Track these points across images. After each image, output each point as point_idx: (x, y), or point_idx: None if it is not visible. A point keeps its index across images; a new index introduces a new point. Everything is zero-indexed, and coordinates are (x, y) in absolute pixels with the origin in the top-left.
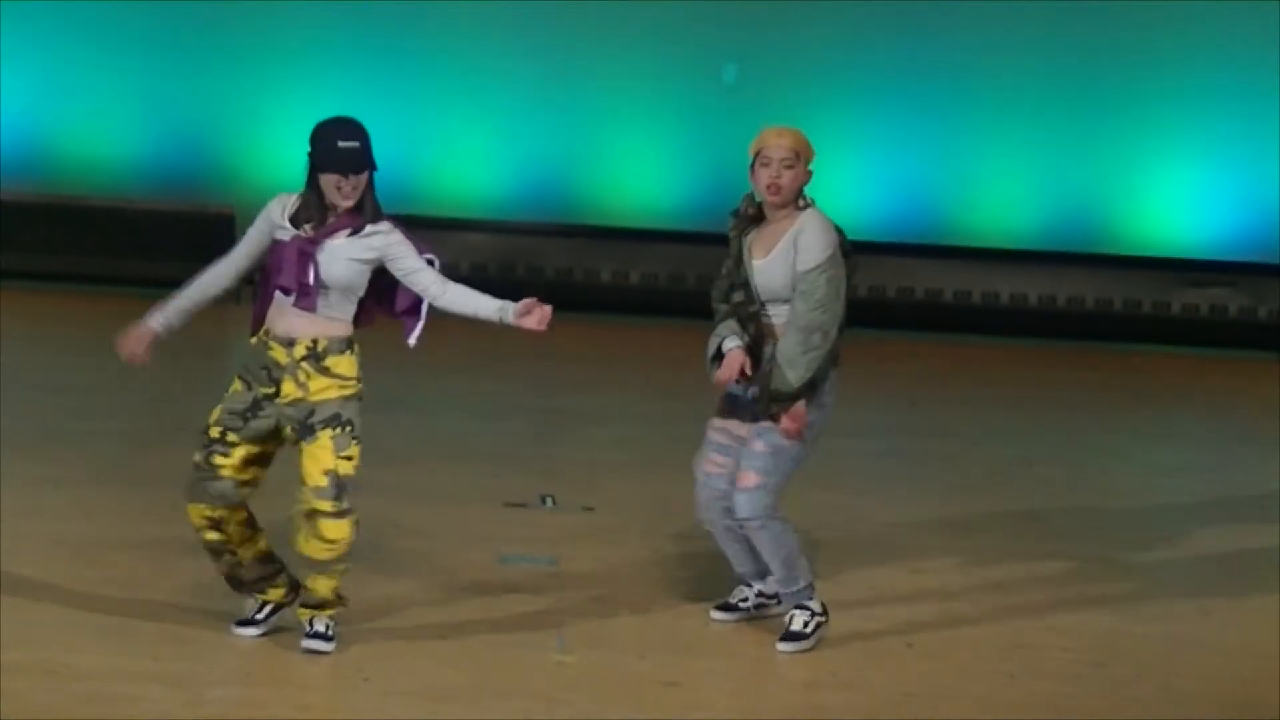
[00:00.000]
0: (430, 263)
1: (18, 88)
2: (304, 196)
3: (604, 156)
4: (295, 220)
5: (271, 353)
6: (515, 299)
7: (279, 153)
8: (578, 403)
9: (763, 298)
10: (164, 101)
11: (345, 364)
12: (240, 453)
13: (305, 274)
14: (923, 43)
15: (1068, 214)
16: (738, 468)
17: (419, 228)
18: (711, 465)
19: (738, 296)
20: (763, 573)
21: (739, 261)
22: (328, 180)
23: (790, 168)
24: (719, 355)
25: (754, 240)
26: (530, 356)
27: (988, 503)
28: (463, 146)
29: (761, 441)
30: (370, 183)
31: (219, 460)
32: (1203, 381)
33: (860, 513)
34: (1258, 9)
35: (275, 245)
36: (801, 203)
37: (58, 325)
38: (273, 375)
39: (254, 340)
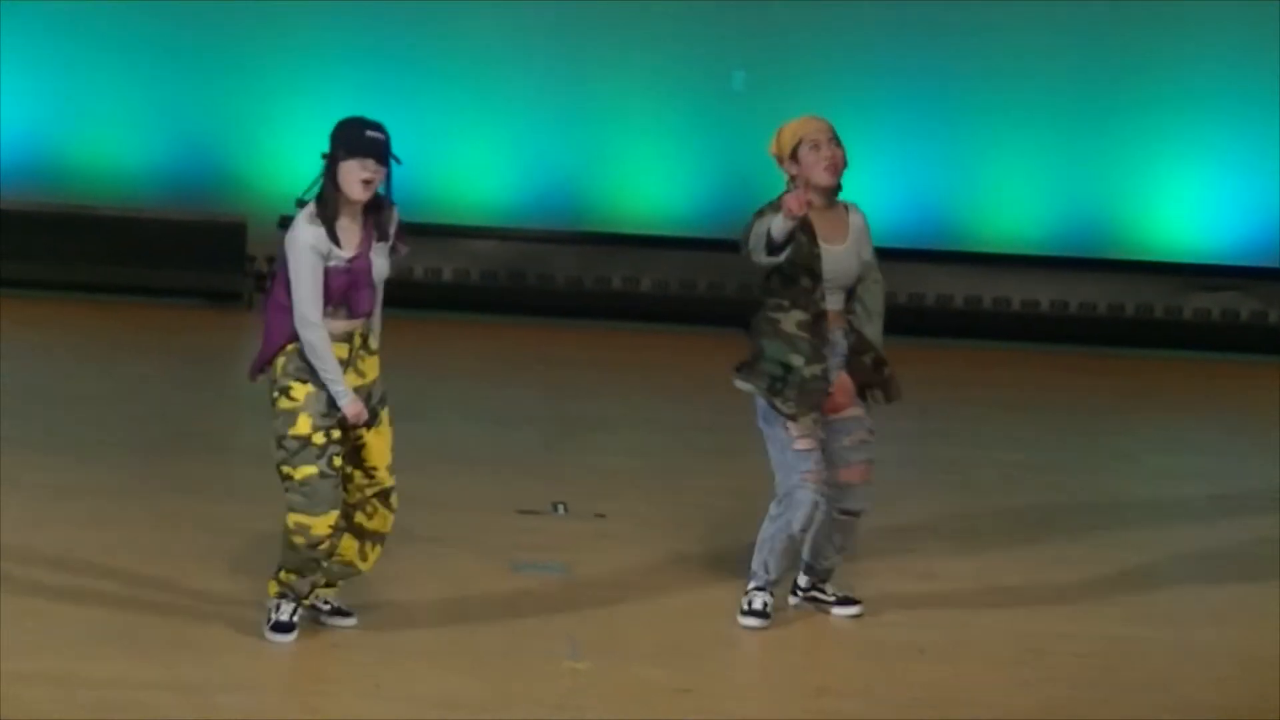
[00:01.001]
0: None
1: (27, 96)
2: (321, 201)
3: (613, 163)
4: (330, 230)
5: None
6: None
7: (289, 162)
8: (589, 410)
9: (834, 284)
10: (174, 111)
11: (375, 336)
12: (345, 449)
13: (373, 298)
14: (933, 49)
15: (1079, 219)
16: (842, 462)
17: (430, 235)
18: (816, 477)
19: (805, 282)
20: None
21: (805, 245)
22: (350, 168)
23: (839, 145)
24: (774, 245)
25: (816, 226)
26: (541, 364)
27: (999, 508)
28: (472, 154)
29: (863, 429)
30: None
31: (337, 460)
32: (1214, 386)
33: (871, 518)
34: (1267, 14)
35: (328, 271)
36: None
37: (68, 334)
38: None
39: (293, 348)
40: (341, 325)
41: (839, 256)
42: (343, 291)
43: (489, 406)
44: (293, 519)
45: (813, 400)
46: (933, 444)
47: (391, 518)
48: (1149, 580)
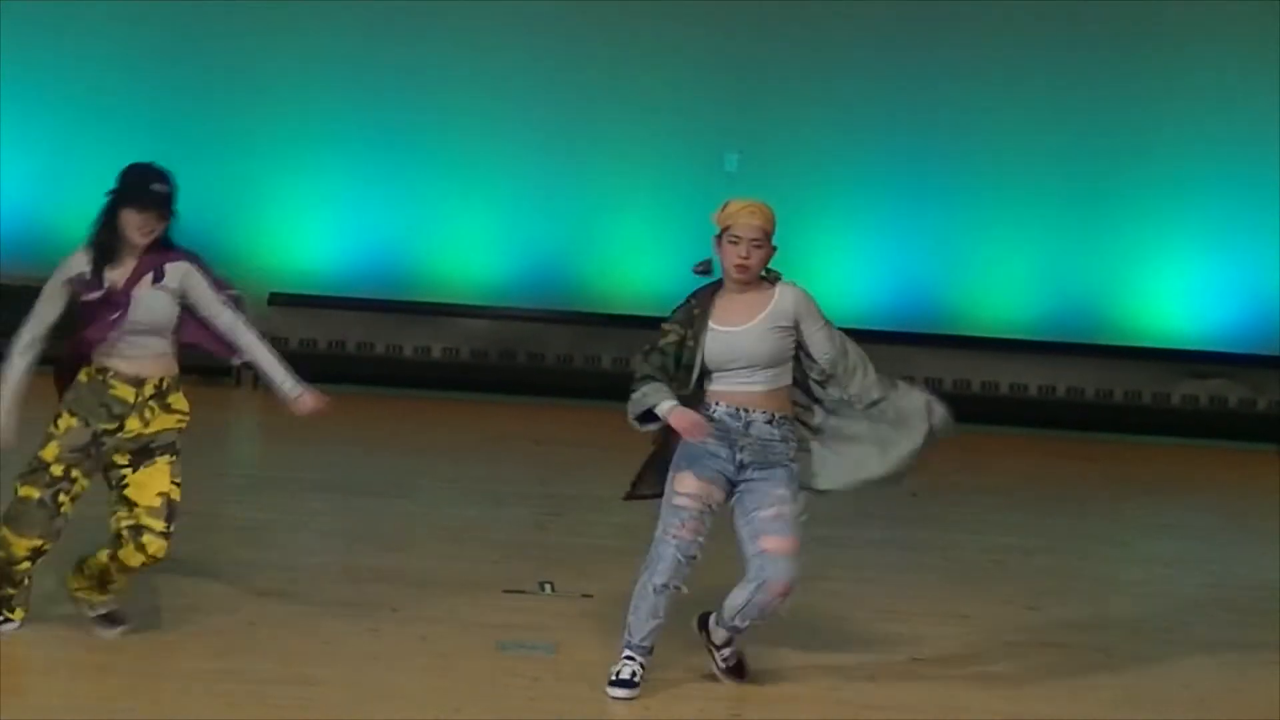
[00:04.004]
0: (234, 300)
1: (24, 173)
2: (97, 241)
3: (605, 243)
4: (96, 265)
5: (115, 391)
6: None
7: (280, 240)
8: (577, 489)
9: (731, 365)
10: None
11: (182, 400)
12: (80, 488)
13: (117, 325)
14: (922, 132)
15: (1067, 304)
16: (758, 531)
17: (420, 313)
18: (689, 532)
19: (681, 375)
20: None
21: (688, 337)
22: (129, 216)
23: (759, 248)
24: (649, 417)
25: (715, 312)
26: (530, 442)
27: (986, 593)
28: (464, 232)
29: (787, 507)
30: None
31: (63, 498)
32: (1202, 472)
33: (859, 600)
34: (1258, 100)
35: (85, 302)
36: (769, 275)
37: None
38: (115, 412)
39: (85, 378)
40: (129, 366)
41: (736, 337)
42: (91, 319)
43: (477, 485)
44: (2, 531)
45: (691, 459)
46: (920, 527)
47: (139, 558)
48: (1135, 665)
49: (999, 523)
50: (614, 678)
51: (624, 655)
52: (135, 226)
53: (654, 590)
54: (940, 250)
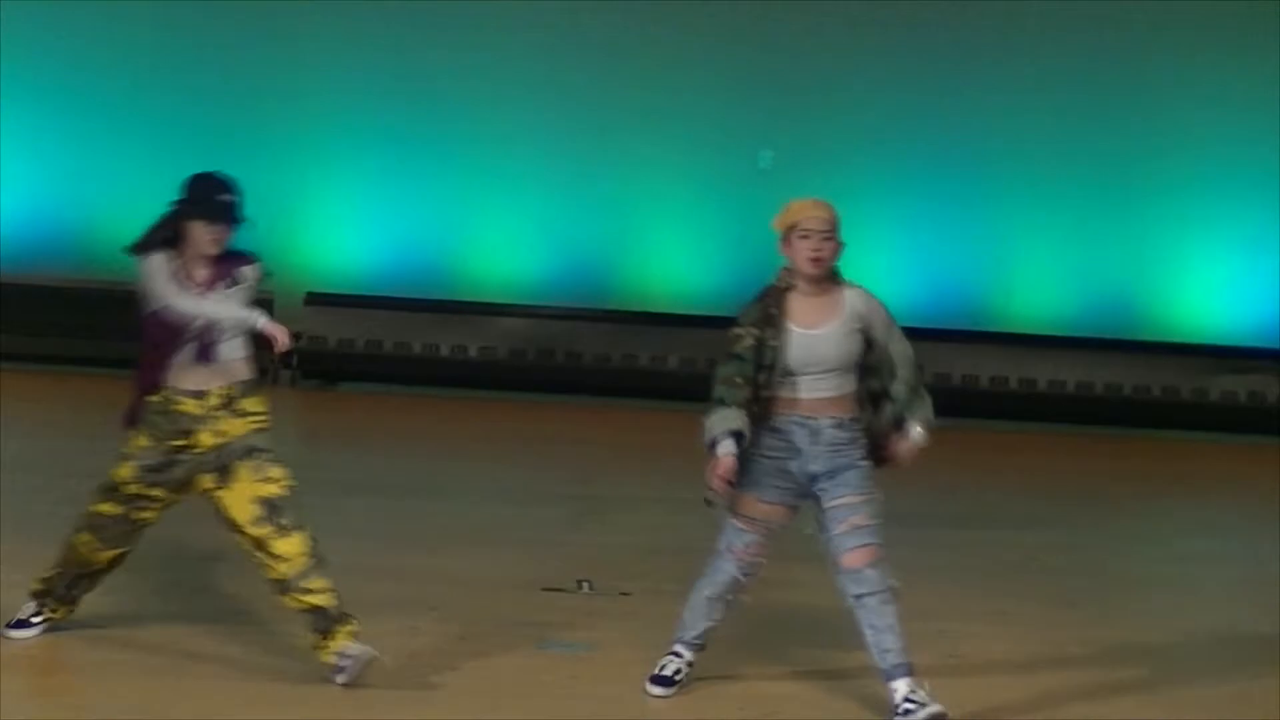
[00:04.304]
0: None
1: (61, 175)
2: (169, 249)
3: (641, 242)
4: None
5: (180, 407)
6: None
7: (316, 241)
8: (615, 488)
9: (809, 369)
10: None
11: (257, 402)
12: (164, 504)
13: (215, 333)
14: (958, 130)
15: (1105, 300)
16: (840, 550)
17: (458, 312)
18: (750, 554)
19: (762, 377)
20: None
21: (769, 337)
22: (198, 229)
23: (829, 239)
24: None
25: (792, 313)
26: (568, 442)
27: (1025, 590)
28: (501, 232)
29: (858, 516)
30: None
31: (142, 515)
32: (1240, 468)
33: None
34: None
35: (163, 312)
36: (835, 276)
37: (95, 410)
38: (183, 427)
39: (156, 399)
40: (191, 380)
41: (815, 340)
42: (182, 331)
43: (515, 484)
44: (83, 537)
45: (755, 482)
46: (959, 525)
47: (283, 565)
48: (1173, 663)
49: (1037, 519)
50: (656, 672)
51: (671, 649)
52: (208, 238)
53: (707, 599)
54: (979, 248)
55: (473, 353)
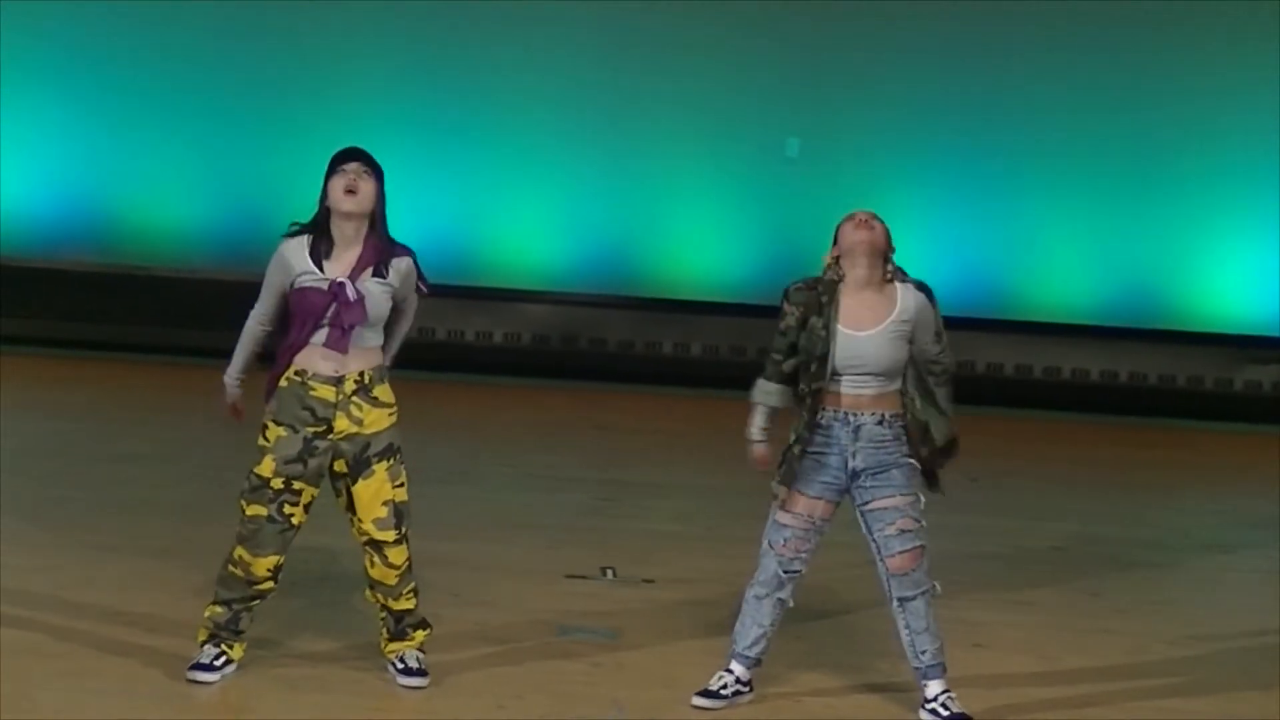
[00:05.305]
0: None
1: (81, 158)
2: (312, 221)
3: (666, 228)
4: (314, 256)
5: (315, 393)
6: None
7: None
8: (638, 475)
9: (853, 369)
10: (226, 174)
11: (388, 391)
12: (307, 498)
13: (355, 316)
14: (983, 116)
15: (1130, 289)
16: (885, 552)
17: (482, 298)
18: (791, 550)
19: (814, 368)
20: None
21: (817, 326)
22: (334, 183)
23: (876, 261)
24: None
25: (842, 311)
26: (591, 428)
27: (1047, 580)
28: (525, 218)
29: (903, 518)
30: (382, 212)
31: (290, 510)
32: (1266, 459)
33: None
34: None
35: (303, 291)
36: (889, 269)
37: (119, 395)
38: (319, 414)
39: (285, 384)
40: (326, 365)
41: (860, 342)
42: (321, 311)
43: (538, 470)
44: (237, 552)
45: (798, 476)
46: (982, 514)
47: (391, 573)
48: (1198, 653)
49: (1061, 509)
50: (705, 686)
51: (726, 665)
52: (340, 188)
53: (755, 598)
54: (1003, 235)
55: (498, 339)
